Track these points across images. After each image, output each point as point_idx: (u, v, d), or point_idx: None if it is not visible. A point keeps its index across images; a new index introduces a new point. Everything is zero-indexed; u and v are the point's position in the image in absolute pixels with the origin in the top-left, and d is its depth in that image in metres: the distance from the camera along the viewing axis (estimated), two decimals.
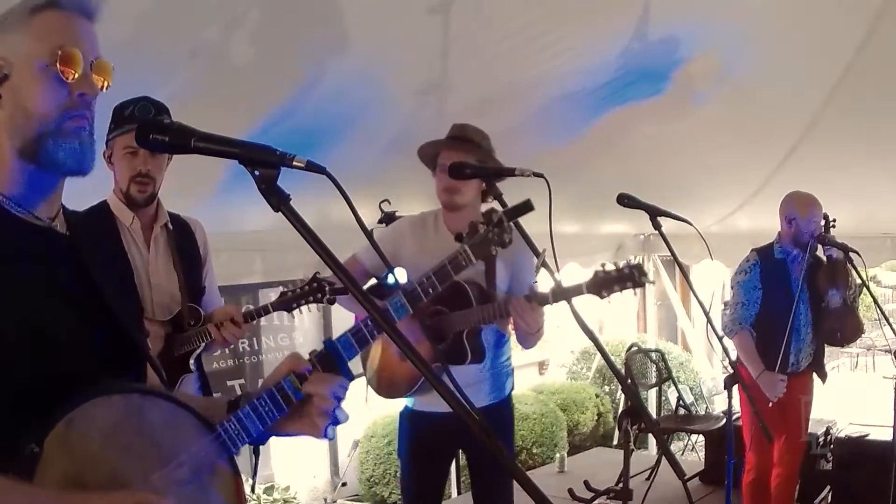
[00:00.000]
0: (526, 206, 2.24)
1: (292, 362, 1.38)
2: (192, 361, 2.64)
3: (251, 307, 2.77)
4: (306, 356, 1.44)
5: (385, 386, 3.09)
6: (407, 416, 3.14)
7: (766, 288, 4.23)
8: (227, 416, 1.33)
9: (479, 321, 2.79)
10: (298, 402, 1.36)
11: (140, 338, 1.40)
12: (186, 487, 1.24)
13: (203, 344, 2.61)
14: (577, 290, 2.49)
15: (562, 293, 2.54)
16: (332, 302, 2.68)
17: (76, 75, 1.22)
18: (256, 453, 1.45)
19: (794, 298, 4.20)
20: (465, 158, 2.75)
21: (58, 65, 1.20)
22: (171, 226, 2.65)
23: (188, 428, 1.28)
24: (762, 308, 4.22)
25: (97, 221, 2.44)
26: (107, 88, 1.27)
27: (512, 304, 2.66)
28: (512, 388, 3.20)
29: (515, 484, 1.15)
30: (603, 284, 2.45)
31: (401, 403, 3.23)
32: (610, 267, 2.44)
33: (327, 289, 2.60)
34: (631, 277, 2.41)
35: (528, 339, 2.95)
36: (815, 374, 4.38)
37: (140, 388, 1.28)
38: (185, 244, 2.69)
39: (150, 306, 2.56)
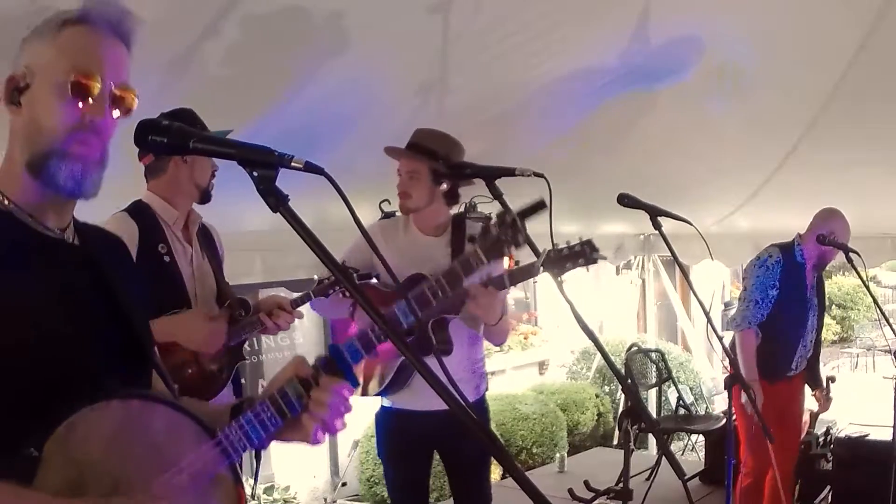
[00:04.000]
0: (539, 206, 2.22)
1: (296, 367, 1.36)
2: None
3: (295, 295, 2.90)
4: (306, 356, 1.42)
5: (361, 384, 3.12)
6: (382, 416, 3.21)
7: (783, 289, 4.20)
8: (228, 423, 1.31)
9: (442, 310, 2.80)
10: (300, 410, 1.34)
11: (149, 345, 1.40)
12: (186, 495, 1.22)
13: (254, 333, 2.76)
14: (530, 271, 2.53)
15: (518, 274, 2.66)
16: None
17: (90, 99, 1.21)
18: (258, 458, 1.44)
19: (806, 305, 4.21)
20: (420, 167, 2.98)
21: (71, 86, 1.20)
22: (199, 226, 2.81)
23: (189, 434, 1.27)
24: (774, 310, 4.19)
25: (139, 220, 2.56)
26: (128, 114, 1.25)
27: (469, 291, 2.69)
28: (486, 389, 3.25)
29: (515, 483, 1.15)
30: (556, 263, 2.44)
31: None
32: (562, 245, 2.45)
33: (354, 276, 2.76)
34: (583, 254, 2.44)
35: (493, 332, 3.03)
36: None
37: (140, 394, 1.27)
38: (210, 244, 2.84)
39: (195, 300, 2.66)
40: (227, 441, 1.29)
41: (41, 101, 1.21)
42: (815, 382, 4.43)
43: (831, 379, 4.43)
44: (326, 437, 1.35)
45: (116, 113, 1.25)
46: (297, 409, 1.33)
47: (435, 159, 2.95)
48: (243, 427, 1.30)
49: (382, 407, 3.21)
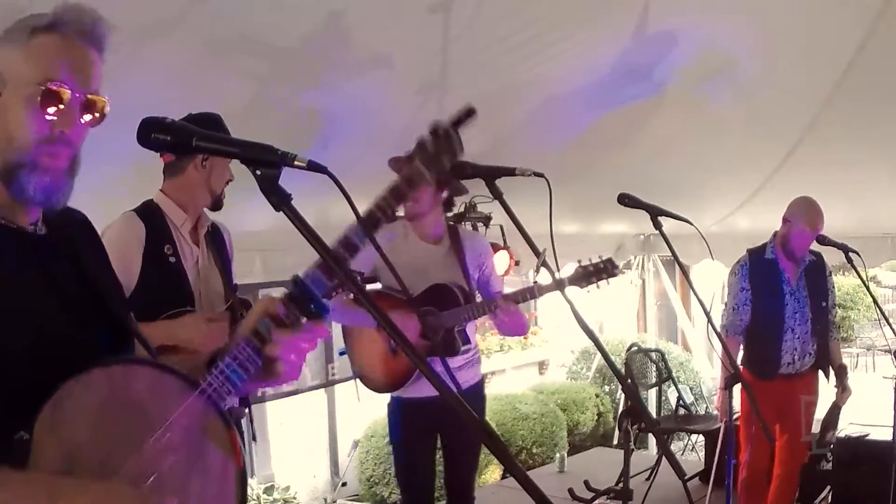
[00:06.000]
0: (468, 112, 2.23)
1: (266, 305, 1.35)
2: None
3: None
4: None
5: (378, 382, 3.37)
6: (396, 405, 3.44)
7: (755, 288, 4.25)
8: (208, 370, 1.31)
9: (469, 318, 3.23)
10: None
11: (127, 318, 1.40)
12: (180, 450, 1.22)
13: None
14: (560, 285, 2.75)
15: (546, 288, 3.00)
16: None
17: (59, 112, 1.21)
18: (247, 404, 1.42)
19: (783, 299, 4.21)
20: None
21: (41, 98, 1.20)
22: (210, 228, 2.83)
23: (173, 389, 1.26)
24: (753, 309, 4.24)
25: (147, 220, 2.59)
26: (97, 124, 1.26)
27: (498, 305, 3.11)
28: (481, 375, 3.62)
29: (515, 483, 1.15)
30: (583, 277, 2.99)
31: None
32: (587, 262, 3.02)
33: (358, 278, 2.79)
34: (606, 270, 3.01)
35: (505, 331, 3.40)
36: (821, 373, 4.36)
37: (120, 359, 1.27)
38: (220, 245, 2.86)
39: (199, 299, 2.69)
40: (211, 388, 1.29)
41: (11, 110, 1.21)
42: (827, 374, 4.40)
43: (843, 368, 4.37)
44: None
45: (87, 117, 1.25)
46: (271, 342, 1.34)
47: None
48: (224, 372, 1.30)
49: (392, 398, 3.44)
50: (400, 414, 3.41)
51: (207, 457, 1.26)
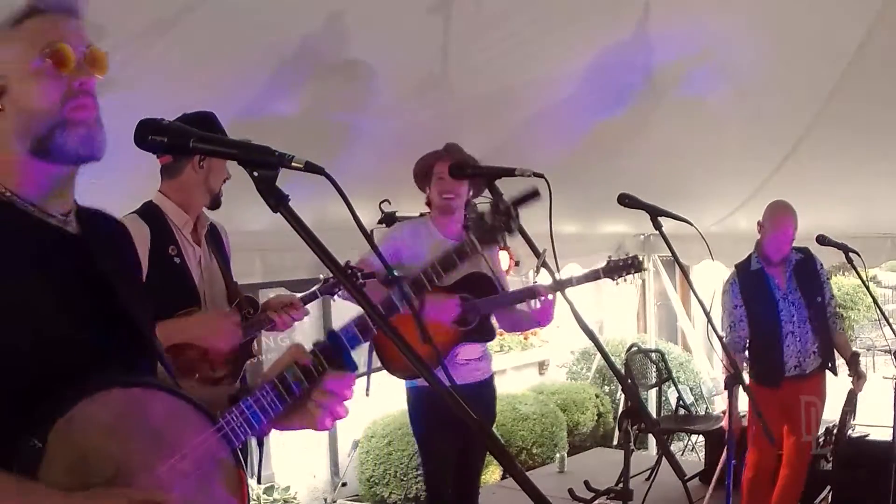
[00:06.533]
0: (533, 195, 2.26)
1: (295, 353, 1.38)
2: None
3: (300, 295, 3.01)
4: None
5: (406, 367, 3.34)
6: (416, 395, 3.41)
7: (748, 301, 4.27)
8: (228, 408, 1.32)
9: (506, 304, 3.37)
10: (299, 394, 1.37)
11: (151, 334, 1.40)
12: (189, 480, 1.24)
13: (263, 330, 2.83)
14: (594, 275, 3.27)
15: (581, 278, 3.22)
16: (363, 286, 2.94)
17: (70, 67, 1.24)
18: (261, 445, 1.46)
19: (777, 305, 4.21)
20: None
21: (50, 61, 1.23)
22: (208, 228, 2.82)
23: (191, 420, 1.28)
24: (750, 322, 4.27)
25: (150, 222, 2.57)
26: (103, 73, 1.28)
27: (539, 291, 3.23)
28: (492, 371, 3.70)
29: (515, 483, 1.15)
30: (615, 270, 3.25)
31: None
32: (616, 258, 3.30)
33: (358, 275, 2.88)
34: (634, 265, 3.29)
35: (520, 325, 3.60)
36: (828, 373, 4.36)
37: (141, 381, 1.28)
38: (219, 244, 2.86)
39: (204, 301, 2.69)
40: (229, 427, 1.31)
41: (24, 91, 1.24)
42: (835, 371, 4.40)
43: (855, 355, 4.34)
44: (327, 436, 1.37)
45: (94, 70, 1.28)
46: (297, 393, 1.37)
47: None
48: (244, 413, 1.32)
49: (411, 389, 3.41)
50: (421, 404, 3.41)
51: (214, 490, 1.28)
